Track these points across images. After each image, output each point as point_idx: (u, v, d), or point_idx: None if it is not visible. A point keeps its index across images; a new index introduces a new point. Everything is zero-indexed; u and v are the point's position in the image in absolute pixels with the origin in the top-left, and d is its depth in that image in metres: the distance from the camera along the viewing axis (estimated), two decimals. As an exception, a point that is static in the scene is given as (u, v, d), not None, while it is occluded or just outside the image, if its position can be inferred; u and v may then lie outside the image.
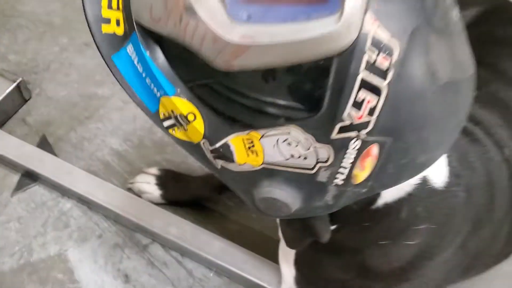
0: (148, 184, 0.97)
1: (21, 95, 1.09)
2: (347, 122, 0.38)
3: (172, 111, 0.44)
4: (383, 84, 0.36)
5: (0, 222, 0.94)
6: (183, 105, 0.43)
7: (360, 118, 0.38)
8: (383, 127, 0.39)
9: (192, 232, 0.91)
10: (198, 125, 0.43)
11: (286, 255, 0.74)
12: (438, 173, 0.59)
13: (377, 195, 0.56)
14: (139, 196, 0.96)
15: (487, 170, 0.67)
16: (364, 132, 0.39)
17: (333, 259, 0.66)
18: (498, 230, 0.70)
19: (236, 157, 0.44)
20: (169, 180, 0.98)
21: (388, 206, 0.57)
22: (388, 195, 0.56)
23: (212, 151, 0.45)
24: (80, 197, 0.96)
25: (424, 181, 0.57)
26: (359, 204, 0.54)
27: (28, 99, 1.11)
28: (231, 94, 0.42)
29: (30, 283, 0.89)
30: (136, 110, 0.47)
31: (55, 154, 1.03)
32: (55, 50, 1.21)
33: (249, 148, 0.43)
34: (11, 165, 1.00)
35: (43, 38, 1.23)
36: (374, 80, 0.36)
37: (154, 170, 0.99)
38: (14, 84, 1.06)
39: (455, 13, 0.42)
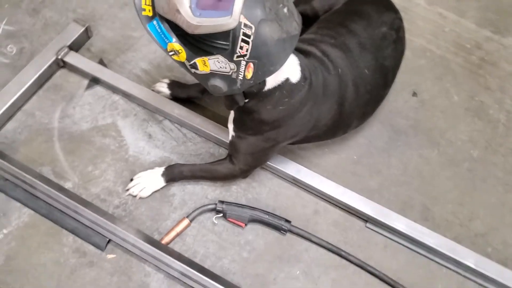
0: (163, 87, 1.61)
1: (87, 34, 1.73)
2: (238, 54, 1.01)
3: (172, 48, 1.08)
4: (249, 40, 0.99)
5: (80, 105, 1.60)
6: (176, 46, 1.06)
7: (243, 52, 1.00)
8: (252, 56, 1.01)
9: (187, 113, 1.55)
10: (183, 55, 1.07)
11: (230, 120, 1.38)
12: (294, 76, 1.21)
13: (264, 84, 1.19)
14: (158, 93, 1.62)
15: (324, 78, 1.31)
16: (245, 58, 1.01)
17: (248, 117, 1.29)
18: (328, 110, 1.34)
19: (199, 67, 1.07)
20: (174, 85, 1.61)
21: (270, 90, 1.20)
22: (269, 84, 1.19)
23: (189, 65, 1.09)
24: (124, 93, 1.60)
25: (287, 79, 1.20)
26: (256, 89, 1.18)
27: (91, 37, 1.76)
28: (194, 42, 1.04)
29: (97, 136, 1.55)
30: (155, 47, 1.09)
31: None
32: (105, 7, 1.83)
33: (203, 64, 1.06)
34: (84, 74, 1.64)
35: (97, -1, 1.87)
36: (246, 38, 0.99)
37: (166, 80, 1.62)
38: (84, 28, 1.69)
39: (285, 10, 1.03)
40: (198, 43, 1.05)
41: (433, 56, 1.82)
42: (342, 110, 1.38)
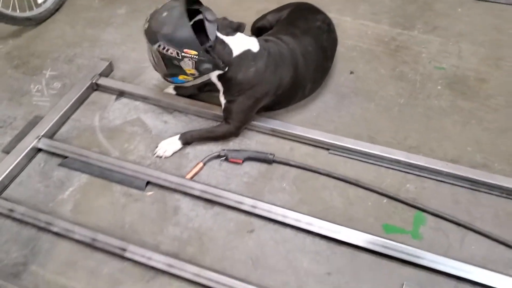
0: (170, 90, 2.21)
1: (110, 67, 2.35)
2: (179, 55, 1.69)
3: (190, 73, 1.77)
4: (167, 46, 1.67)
5: (112, 110, 2.18)
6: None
7: (173, 54, 1.70)
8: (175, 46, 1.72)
9: (190, 102, 2.14)
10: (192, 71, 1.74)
11: (220, 94, 1.96)
12: (254, 47, 1.83)
13: (231, 53, 1.81)
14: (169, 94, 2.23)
15: (279, 50, 1.92)
16: (179, 51, 1.70)
17: (231, 83, 1.86)
18: (287, 71, 1.93)
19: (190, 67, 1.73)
20: (178, 87, 2.25)
21: (238, 56, 1.81)
22: (235, 52, 1.81)
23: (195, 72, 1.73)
24: (143, 97, 2.18)
25: (248, 49, 1.82)
26: (227, 56, 1.80)
27: (113, 70, 2.39)
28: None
29: (128, 126, 2.09)
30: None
31: (129, 87, 2.30)
32: (120, 52, 2.49)
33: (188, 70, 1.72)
34: (113, 90, 2.23)
35: (114, 47, 2.53)
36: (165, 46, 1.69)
37: (172, 85, 2.26)
38: (108, 62, 2.33)
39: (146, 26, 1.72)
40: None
41: (361, 49, 2.48)
42: (297, 73, 1.98)
